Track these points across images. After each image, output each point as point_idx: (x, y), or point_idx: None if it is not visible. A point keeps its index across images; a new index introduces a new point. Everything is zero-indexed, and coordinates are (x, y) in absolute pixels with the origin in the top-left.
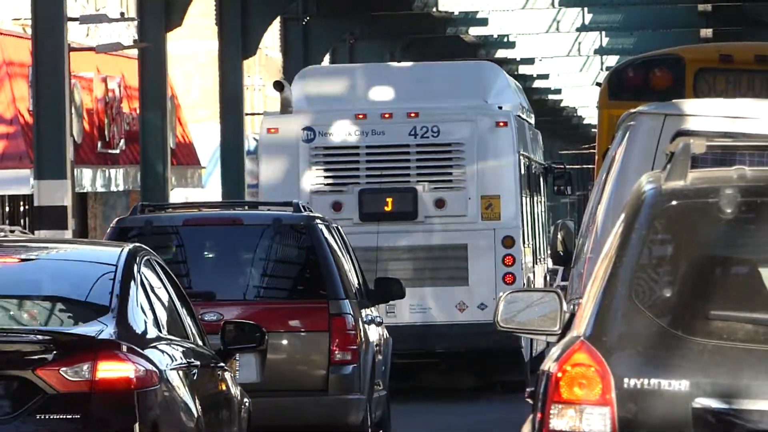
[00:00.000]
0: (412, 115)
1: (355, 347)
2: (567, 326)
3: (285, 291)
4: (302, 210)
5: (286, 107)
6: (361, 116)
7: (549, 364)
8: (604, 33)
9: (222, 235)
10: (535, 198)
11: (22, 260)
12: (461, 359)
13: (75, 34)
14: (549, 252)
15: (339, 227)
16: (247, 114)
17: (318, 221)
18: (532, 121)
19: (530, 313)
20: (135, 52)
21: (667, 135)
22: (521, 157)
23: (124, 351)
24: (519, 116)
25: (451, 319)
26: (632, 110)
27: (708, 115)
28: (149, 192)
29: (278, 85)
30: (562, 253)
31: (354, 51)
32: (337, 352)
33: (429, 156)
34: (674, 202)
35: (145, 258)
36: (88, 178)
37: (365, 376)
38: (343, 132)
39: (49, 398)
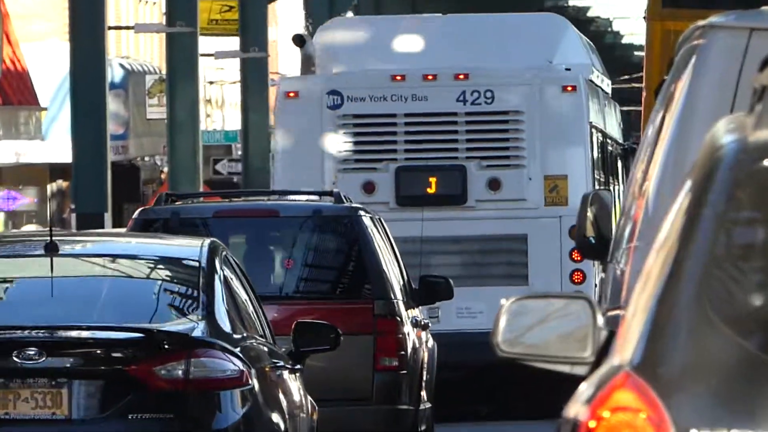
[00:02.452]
0: (461, 76)
1: (402, 352)
2: (603, 351)
3: (325, 289)
4: (344, 200)
5: (308, 66)
6: (399, 78)
7: (576, 409)
8: None
9: (257, 228)
10: (612, 183)
11: (107, 257)
12: (516, 376)
13: None
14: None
15: (381, 218)
16: (110, 28)
17: (362, 213)
18: (608, 89)
19: (546, 331)
20: None
21: (754, 59)
22: (593, 130)
23: (218, 349)
24: (591, 81)
25: None
26: (700, 22)
27: None
28: None
29: (298, 40)
30: (593, 240)
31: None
32: (382, 357)
33: (481, 127)
34: (766, 163)
35: (223, 255)
36: None
37: (413, 384)
38: (377, 97)
39: (140, 397)
